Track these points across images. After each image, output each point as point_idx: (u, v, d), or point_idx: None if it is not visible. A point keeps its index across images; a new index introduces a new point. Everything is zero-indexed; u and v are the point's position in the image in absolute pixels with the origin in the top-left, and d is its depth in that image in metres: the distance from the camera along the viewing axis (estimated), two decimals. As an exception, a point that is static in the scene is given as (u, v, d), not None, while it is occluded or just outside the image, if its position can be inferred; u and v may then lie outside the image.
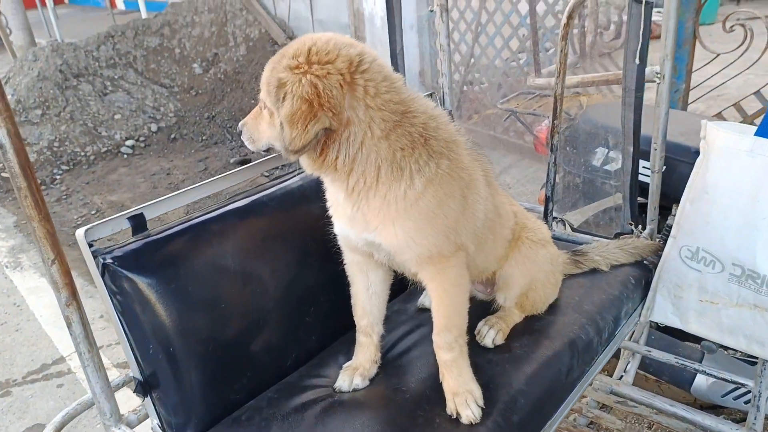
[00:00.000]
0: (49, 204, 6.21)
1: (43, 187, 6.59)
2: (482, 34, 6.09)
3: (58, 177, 6.84)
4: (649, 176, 2.44)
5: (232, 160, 6.87)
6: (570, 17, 2.16)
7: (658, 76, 2.22)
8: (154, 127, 7.72)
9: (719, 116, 4.38)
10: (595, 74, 3.22)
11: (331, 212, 1.69)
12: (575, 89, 2.73)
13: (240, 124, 1.66)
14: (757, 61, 4.11)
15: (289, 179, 2.01)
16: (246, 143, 1.65)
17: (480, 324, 1.91)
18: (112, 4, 17.00)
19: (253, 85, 8.09)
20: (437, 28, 2.51)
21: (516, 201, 2.03)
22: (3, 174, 6.55)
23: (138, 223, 1.66)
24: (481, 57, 6.22)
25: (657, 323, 2.34)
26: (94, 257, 1.56)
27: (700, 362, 2.58)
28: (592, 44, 3.82)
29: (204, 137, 7.61)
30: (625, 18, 4.90)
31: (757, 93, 4.25)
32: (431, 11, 2.49)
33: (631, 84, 2.17)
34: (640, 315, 2.27)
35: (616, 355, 2.75)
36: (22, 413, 3.39)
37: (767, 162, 1.77)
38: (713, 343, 2.14)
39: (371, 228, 1.54)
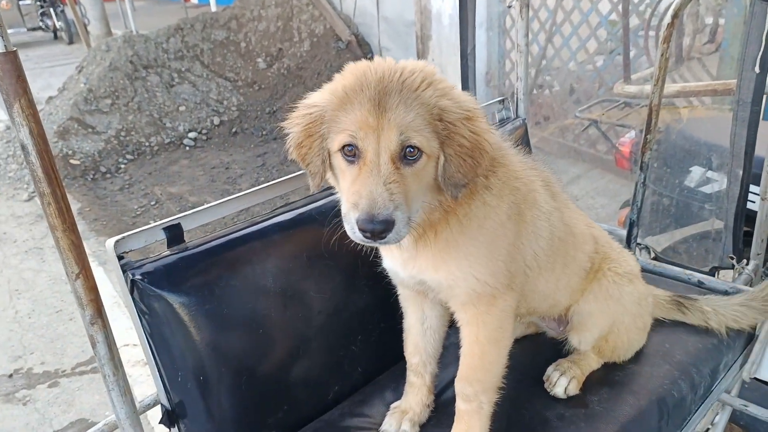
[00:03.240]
0: (111, 193, 6.36)
1: (107, 176, 6.74)
2: (557, 34, 5.72)
3: (122, 166, 6.96)
4: (757, 203, 2.10)
5: (290, 157, 6.79)
6: (675, 17, 1.86)
7: (780, 87, 1.89)
8: (216, 120, 7.76)
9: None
10: (699, 83, 2.86)
11: (381, 251, 1.51)
12: (672, 99, 2.40)
13: (384, 214, 1.10)
14: None
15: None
16: (397, 235, 1.14)
17: (550, 369, 1.65)
18: (186, -2, 17.44)
19: (315, 81, 8.01)
20: (517, 25, 2.25)
21: (595, 223, 1.75)
22: (72, 161, 6.73)
23: (174, 234, 1.50)
24: (554, 59, 5.84)
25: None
26: (124, 272, 1.41)
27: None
28: (690, 48, 3.43)
29: (264, 132, 7.59)
30: (721, 21, 4.44)
31: None
32: (509, 6, 2.22)
33: (747, 96, 1.85)
34: (741, 368, 1.94)
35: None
36: (68, 406, 3.37)
37: None
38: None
39: (425, 269, 1.36)
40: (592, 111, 2.83)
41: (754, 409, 2.07)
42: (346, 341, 1.72)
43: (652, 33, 4.61)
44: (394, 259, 1.43)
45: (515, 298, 1.42)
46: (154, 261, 1.44)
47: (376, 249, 1.53)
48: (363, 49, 8.40)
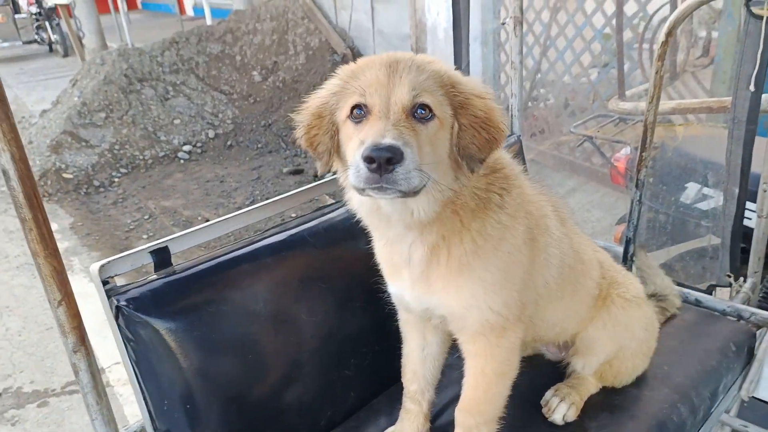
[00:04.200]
0: (105, 207, 6.31)
1: (101, 190, 6.69)
2: (551, 47, 5.73)
3: (116, 180, 6.92)
4: (753, 220, 2.09)
5: (285, 170, 6.77)
6: (670, 34, 1.84)
7: (776, 105, 1.88)
8: (211, 134, 7.74)
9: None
10: (694, 100, 2.85)
11: (385, 272, 1.46)
12: (667, 116, 2.39)
13: (390, 141, 1.01)
14: None
15: (333, 211, 1.77)
16: (407, 175, 1.03)
17: (548, 394, 1.61)
18: (182, 11, 17.53)
19: (310, 93, 7.99)
20: (510, 42, 2.24)
21: (599, 247, 1.72)
22: (64, 175, 6.69)
23: (161, 258, 1.47)
24: (549, 72, 5.86)
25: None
26: (108, 298, 1.37)
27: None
28: (684, 63, 3.44)
29: (259, 145, 7.57)
30: (714, 35, 4.46)
31: None
32: (503, 24, 2.21)
33: (742, 114, 1.83)
34: (740, 388, 1.91)
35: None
36: (56, 426, 3.30)
37: None
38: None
39: (435, 291, 1.31)
40: (587, 126, 2.82)
41: (754, 430, 2.04)
42: (339, 365, 1.68)
43: (646, 46, 4.63)
44: (402, 281, 1.37)
45: (523, 330, 1.38)
46: (140, 286, 1.41)
47: (379, 274, 1.48)
48: (358, 62, 8.41)
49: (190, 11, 18.56)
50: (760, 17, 1.72)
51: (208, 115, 7.94)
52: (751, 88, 1.78)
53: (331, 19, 8.82)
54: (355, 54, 8.45)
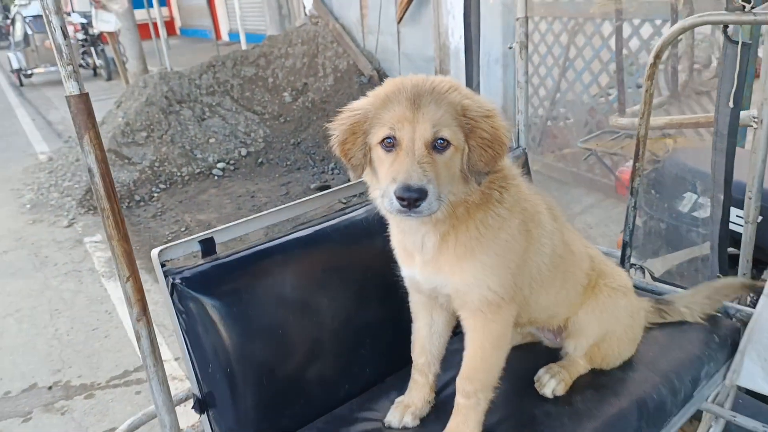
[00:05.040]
0: (145, 220, 6.71)
1: (141, 204, 7.10)
2: (569, 68, 5.94)
3: (155, 195, 7.33)
4: (742, 226, 2.26)
5: (312, 186, 7.07)
6: (657, 57, 2.06)
7: (755, 120, 2.07)
8: (243, 152, 8.12)
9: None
10: (683, 116, 3.04)
11: (399, 257, 1.69)
12: (662, 131, 2.58)
13: (418, 183, 1.29)
14: None
15: (353, 211, 2.03)
16: (429, 206, 1.31)
17: (541, 371, 1.82)
18: (218, 36, 18.25)
19: (338, 114, 8.33)
20: (516, 64, 2.48)
21: (591, 244, 1.93)
22: (108, 189, 7.11)
23: (208, 246, 1.74)
24: (567, 92, 6.06)
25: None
26: (165, 277, 1.64)
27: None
28: (686, 84, 3.62)
29: (288, 162, 7.91)
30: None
31: None
32: (510, 48, 2.47)
33: (724, 128, 2.03)
34: (724, 377, 2.07)
35: (698, 417, 2.52)
36: (102, 416, 3.59)
37: None
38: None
39: (443, 272, 1.53)
40: (593, 141, 3.02)
41: (741, 420, 2.19)
42: (357, 346, 1.92)
43: (661, 66, 4.80)
44: (413, 265, 1.60)
45: (516, 309, 1.60)
46: (191, 268, 1.68)
47: (394, 263, 1.71)
48: (385, 83, 8.74)
49: (225, 36, 19.34)
50: (736, 42, 1.93)
51: (241, 134, 8.34)
52: (731, 104, 1.98)
53: (358, 42, 9.19)
54: (381, 75, 8.78)
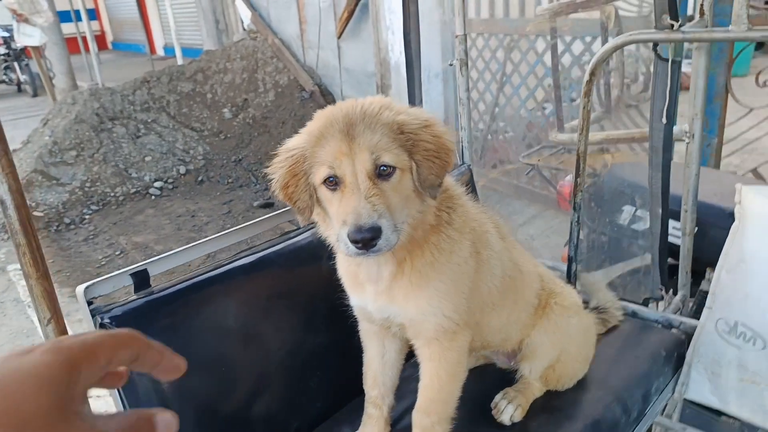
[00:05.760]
0: (76, 243, 6.34)
1: (72, 227, 6.72)
2: (507, 83, 6.08)
3: (87, 217, 6.95)
4: (680, 237, 2.32)
5: (255, 204, 6.91)
6: (593, 73, 2.10)
7: (687, 135, 2.13)
8: (182, 170, 7.85)
9: (755, 172, 4.23)
10: (620, 131, 3.13)
11: (347, 286, 1.61)
12: (600, 146, 2.65)
13: (370, 222, 1.21)
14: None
15: (298, 235, 1.94)
16: (387, 241, 1.24)
17: (498, 397, 1.78)
18: (152, 50, 17.71)
19: (279, 129, 8.21)
20: (458, 81, 2.48)
21: (539, 263, 1.92)
22: (35, 213, 6.69)
23: (141, 279, 1.61)
24: (506, 107, 6.19)
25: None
26: (93, 316, 1.50)
27: (740, 440, 2.39)
28: (618, 99, 3.76)
29: (230, 180, 7.70)
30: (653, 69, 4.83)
31: (794, 149, 4.10)
32: (450, 65, 2.46)
33: (658, 143, 2.08)
34: (673, 390, 2.10)
35: (648, 430, 2.56)
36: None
37: (809, 231, 1.64)
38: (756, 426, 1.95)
39: (397, 301, 1.47)
40: (533, 156, 3.07)
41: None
42: (305, 378, 1.83)
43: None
44: (364, 294, 1.53)
45: (470, 334, 1.55)
46: (122, 305, 1.55)
47: (341, 290, 1.64)
48: (326, 98, 8.68)
49: (160, 51, 18.77)
50: (667, 60, 1.99)
51: (180, 152, 8.07)
52: (663, 120, 2.04)
53: (299, 57, 9.11)
54: (323, 91, 8.72)
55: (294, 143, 1.40)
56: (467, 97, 2.47)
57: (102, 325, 1.50)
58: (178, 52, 11.51)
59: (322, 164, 1.31)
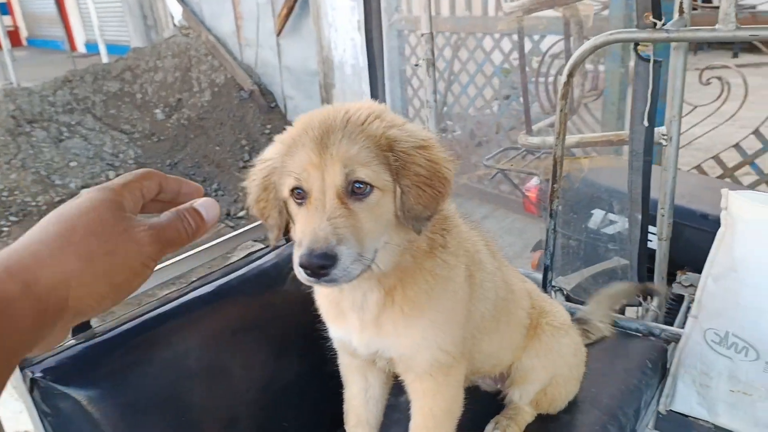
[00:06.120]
0: (-8, 260, 5.77)
1: (-13, 241, 6.11)
2: (455, 82, 6.01)
3: (5, 229, 6.35)
4: (655, 242, 2.26)
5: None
6: (570, 75, 1.99)
7: (665, 138, 2.07)
8: (112, 175, 7.33)
9: (699, 168, 4.33)
10: (596, 134, 3.09)
11: (327, 316, 1.41)
12: (571, 149, 2.58)
13: (324, 247, 1.02)
14: (735, 113, 4.10)
15: (261, 257, 1.73)
16: (345, 272, 1.04)
17: (489, 428, 1.64)
18: (72, 47, 16.65)
19: (217, 131, 7.84)
20: (424, 83, 2.33)
21: (526, 278, 1.79)
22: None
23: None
24: (454, 105, 6.13)
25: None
26: (21, 370, 1.24)
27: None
28: (580, 99, 3.74)
29: (166, 186, 7.27)
30: (601, 68, 4.87)
31: (737, 146, 4.23)
32: (416, 65, 2.30)
33: (639, 147, 2.01)
34: (658, 402, 2.03)
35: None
36: None
37: (802, 237, 1.59)
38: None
39: (386, 334, 1.29)
40: (498, 159, 2.98)
41: (670, 440, 2.18)
42: (277, 417, 1.62)
43: (542, 79, 4.96)
44: (347, 325, 1.34)
45: (466, 366, 1.40)
46: (57, 354, 1.29)
47: (318, 316, 1.44)
48: (266, 98, 8.36)
49: (82, 48, 17.65)
50: (648, 60, 1.91)
51: (108, 156, 7.54)
52: (645, 123, 1.96)
53: (235, 55, 8.73)
54: (263, 90, 8.39)
55: (267, 153, 1.22)
56: (435, 99, 2.33)
57: (33, 381, 1.24)
58: (102, 49, 10.79)
59: (289, 174, 1.13)
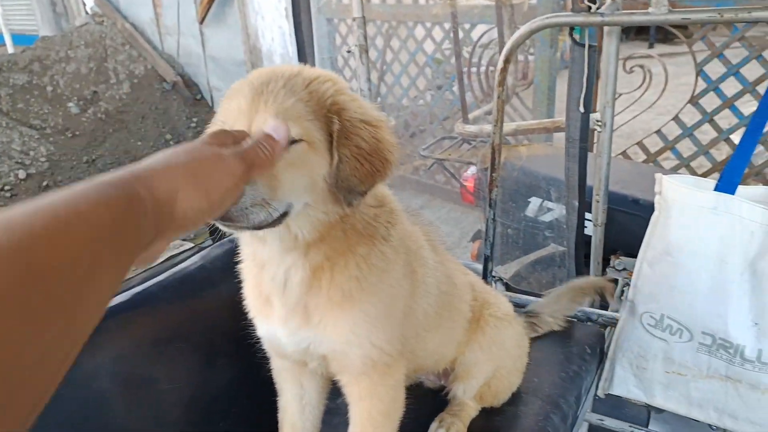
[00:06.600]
0: None
1: None
2: (388, 72, 5.94)
3: None
4: (591, 228, 2.28)
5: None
6: (507, 61, 1.95)
7: (599, 123, 2.07)
8: (22, 174, 6.77)
9: (624, 154, 4.47)
10: (532, 122, 3.09)
11: (253, 306, 1.30)
12: (508, 137, 2.56)
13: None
14: (655, 102, 4.26)
15: (184, 261, 1.58)
16: (244, 212, 0.93)
17: (433, 426, 1.58)
18: (-26, 36, 15.33)
19: (139, 125, 7.41)
20: (358, 70, 2.23)
21: (467, 269, 1.73)
22: None
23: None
24: (387, 96, 6.06)
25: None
26: None
27: (647, 421, 2.43)
28: (513, 87, 3.76)
29: (83, 184, 6.80)
30: (531, 57, 4.94)
31: (659, 132, 4.40)
32: (348, 51, 2.20)
33: (575, 133, 2.00)
34: (596, 386, 2.05)
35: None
36: None
37: (733, 220, 1.62)
38: (681, 416, 1.95)
39: (314, 324, 1.19)
40: (434, 149, 2.93)
41: (609, 422, 2.21)
42: (212, 427, 1.49)
43: (473, 69, 4.98)
44: (273, 317, 1.23)
45: (406, 366, 1.33)
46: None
47: (250, 323, 1.32)
48: (191, 89, 7.99)
49: (-16, 36, 16.29)
50: (583, 45, 1.89)
51: (17, 154, 6.95)
52: (581, 109, 1.95)
53: (155, 45, 8.27)
54: (187, 81, 8.01)
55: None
56: (369, 87, 2.23)
57: None
58: (7, 40, 9.98)
59: (214, 124, 1.06)
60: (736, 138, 4.18)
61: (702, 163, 4.40)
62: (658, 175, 1.79)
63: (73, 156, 7.15)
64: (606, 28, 1.95)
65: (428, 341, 1.45)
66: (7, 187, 6.60)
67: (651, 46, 11.70)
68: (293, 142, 0.99)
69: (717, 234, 1.65)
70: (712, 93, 4.14)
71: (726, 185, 1.67)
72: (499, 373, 1.61)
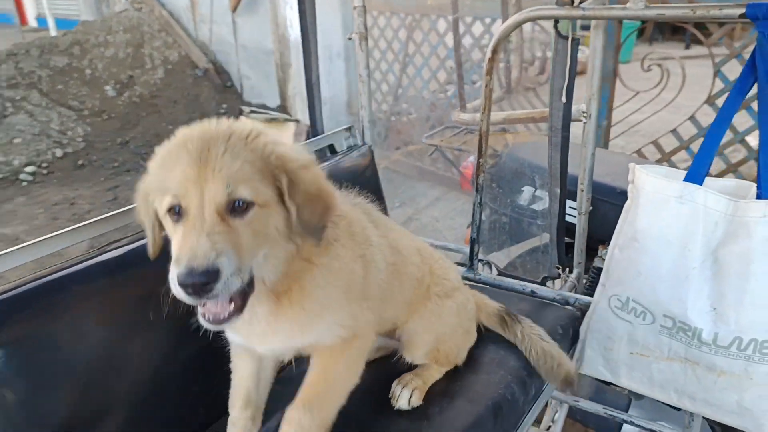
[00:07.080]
0: (-72, 237, 5.54)
1: (-77, 218, 5.88)
2: (410, 65, 6.02)
3: (-57, 206, 6.12)
4: (575, 217, 2.34)
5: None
6: (495, 51, 2.04)
7: (585, 115, 2.14)
8: (59, 153, 7.12)
9: (639, 153, 4.47)
10: (520, 111, 3.15)
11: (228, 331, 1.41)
12: (501, 126, 2.63)
13: (205, 264, 1.00)
14: (672, 100, 4.24)
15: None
16: (226, 285, 1.03)
17: (394, 384, 1.68)
18: (23, 21, 16.00)
19: (170, 109, 7.68)
20: (357, 57, 2.34)
21: (417, 237, 1.84)
22: None
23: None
24: (409, 88, 6.14)
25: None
26: None
27: (627, 408, 2.48)
28: (518, 79, 3.80)
29: (115, 164, 7.09)
30: (549, 54, 4.96)
31: (674, 131, 4.38)
32: (349, 39, 2.31)
33: (558, 123, 2.07)
34: (569, 367, 2.12)
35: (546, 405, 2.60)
36: None
37: (696, 209, 1.67)
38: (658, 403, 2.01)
39: (292, 334, 1.32)
40: (436, 137, 3.02)
41: (584, 404, 2.28)
42: (188, 385, 1.63)
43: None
44: (249, 334, 1.34)
45: (373, 335, 1.46)
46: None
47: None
48: (222, 77, 8.22)
49: (33, 22, 16.96)
50: (566, 37, 1.96)
51: (55, 133, 7.31)
52: (563, 99, 2.02)
53: (190, 32, 8.54)
54: (218, 69, 8.25)
55: (150, 165, 1.18)
56: (367, 74, 2.34)
57: None
58: (51, 23, 10.43)
59: (165, 191, 1.10)
60: (751, 139, 4.13)
61: (716, 164, 4.36)
62: (631, 165, 1.85)
63: (108, 137, 7.47)
64: (593, 23, 2.02)
65: (386, 310, 1.57)
66: (44, 164, 6.95)
67: (688, 47, 11.45)
68: (246, 207, 1.08)
69: (681, 222, 1.70)
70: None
71: (694, 176, 1.72)
72: (442, 338, 1.70)
